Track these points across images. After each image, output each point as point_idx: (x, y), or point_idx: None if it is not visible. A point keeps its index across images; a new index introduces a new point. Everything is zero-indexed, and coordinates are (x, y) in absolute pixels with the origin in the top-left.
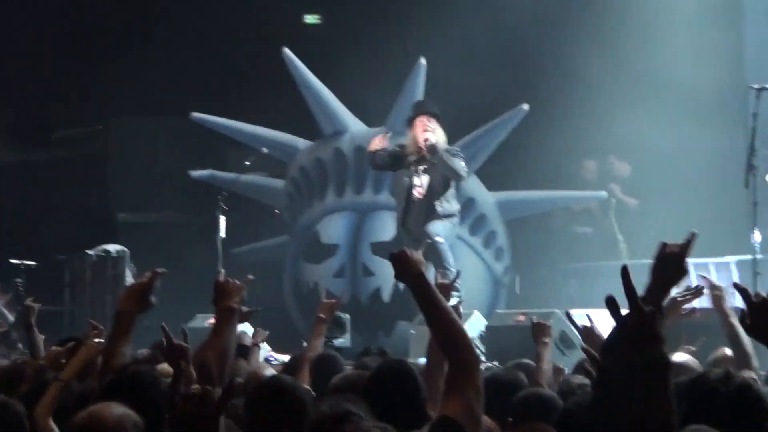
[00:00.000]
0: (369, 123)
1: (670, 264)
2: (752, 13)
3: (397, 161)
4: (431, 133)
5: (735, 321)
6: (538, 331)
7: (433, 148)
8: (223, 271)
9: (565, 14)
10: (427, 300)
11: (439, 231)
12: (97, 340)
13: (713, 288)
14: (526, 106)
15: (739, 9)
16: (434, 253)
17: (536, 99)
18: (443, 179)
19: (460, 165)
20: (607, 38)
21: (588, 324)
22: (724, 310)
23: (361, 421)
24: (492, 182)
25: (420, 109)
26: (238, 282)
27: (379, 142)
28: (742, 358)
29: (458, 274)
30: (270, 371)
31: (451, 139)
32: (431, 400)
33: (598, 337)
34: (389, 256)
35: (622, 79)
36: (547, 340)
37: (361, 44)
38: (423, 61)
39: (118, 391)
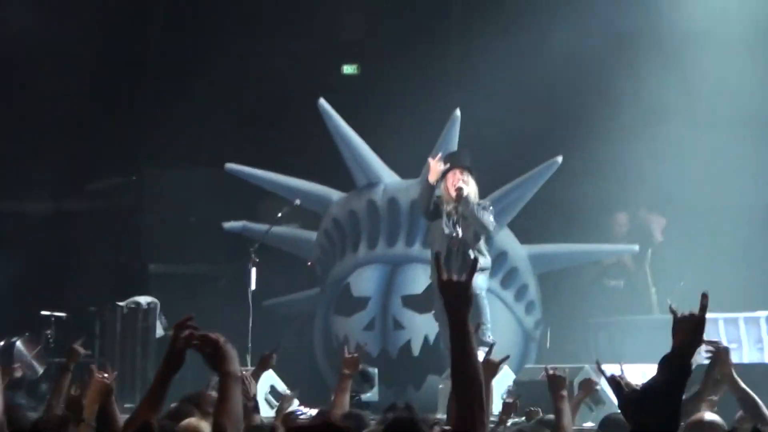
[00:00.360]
0: (404, 175)
1: (688, 329)
2: None
3: (437, 210)
4: (464, 184)
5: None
6: (554, 384)
7: (460, 194)
8: (220, 335)
9: (598, 62)
10: (461, 338)
11: (481, 284)
12: (104, 375)
13: (720, 350)
14: (559, 159)
15: None
16: (474, 307)
17: (570, 149)
18: (474, 232)
19: (489, 219)
20: (644, 86)
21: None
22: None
23: None
24: (524, 235)
25: (454, 162)
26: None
27: (435, 166)
28: (755, 412)
29: (492, 344)
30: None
31: (485, 192)
32: None
33: (628, 388)
34: (438, 283)
35: (658, 129)
36: (564, 393)
37: (398, 96)
38: (458, 112)
39: None
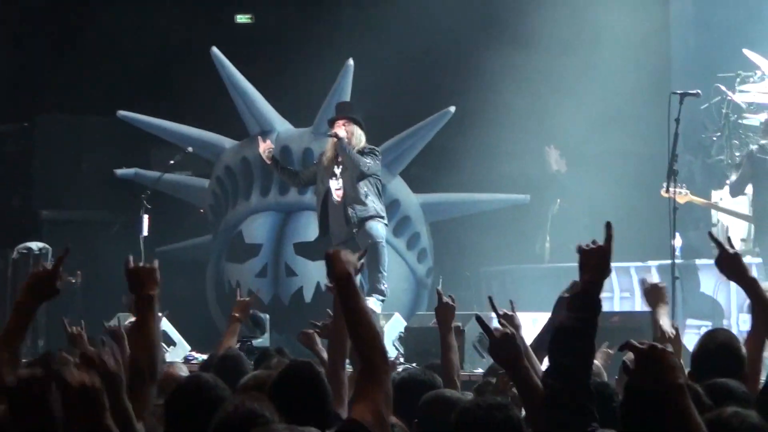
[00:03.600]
0: (297, 124)
1: (594, 260)
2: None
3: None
4: (339, 128)
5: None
6: (444, 314)
7: (336, 136)
8: (131, 257)
9: (493, 17)
10: (350, 301)
11: (380, 232)
12: None
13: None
14: (452, 109)
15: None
16: (372, 254)
17: (465, 97)
18: (352, 181)
19: (364, 160)
20: (535, 41)
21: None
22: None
23: (268, 422)
24: (417, 184)
25: (340, 112)
26: (149, 265)
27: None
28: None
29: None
30: (184, 370)
31: (379, 141)
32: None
33: (516, 326)
34: (324, 254)
35: (551, 81)
36: (452, 326)
37: (291, 45)
38: (351, 62)
39: None
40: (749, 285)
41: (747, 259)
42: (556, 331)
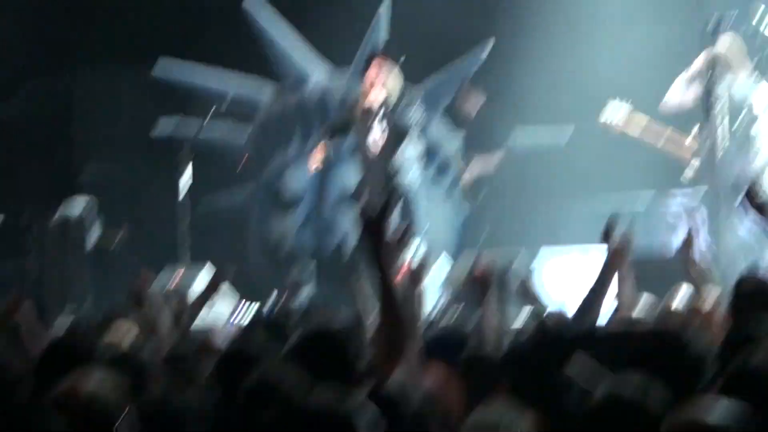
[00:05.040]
0: (338, 63)
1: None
2: None
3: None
4: (379, 80)
5: None
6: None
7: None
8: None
9: None
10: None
11: (411, 182)
12: None
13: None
14: (491, 42)
15: None
16: (405, 205)
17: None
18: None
19: (403, 113)
20: None
21: None
22: None
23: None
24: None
25: (372, 56)
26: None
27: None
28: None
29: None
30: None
31: (420, 77)
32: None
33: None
34: (362, 218)
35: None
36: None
37: None
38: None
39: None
40: None
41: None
42: None
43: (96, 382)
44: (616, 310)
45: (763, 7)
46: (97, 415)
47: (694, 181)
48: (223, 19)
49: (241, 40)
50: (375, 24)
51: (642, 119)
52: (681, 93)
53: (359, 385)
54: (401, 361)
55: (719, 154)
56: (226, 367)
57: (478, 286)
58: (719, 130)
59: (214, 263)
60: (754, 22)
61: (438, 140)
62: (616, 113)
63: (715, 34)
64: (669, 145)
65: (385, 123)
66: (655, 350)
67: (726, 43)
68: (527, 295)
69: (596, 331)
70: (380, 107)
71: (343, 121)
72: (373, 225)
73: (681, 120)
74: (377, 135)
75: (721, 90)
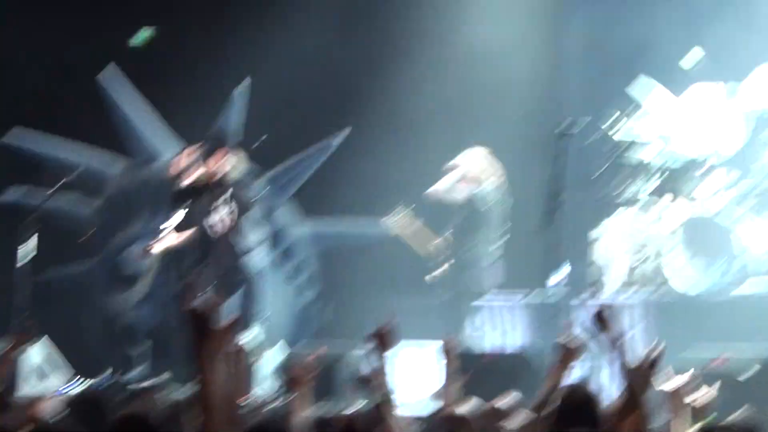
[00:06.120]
0: (191, 141)
1: None
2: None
3: (194, 194)
4: (222, 165)
5: None
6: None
7: (219, 181)
8: None
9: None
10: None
11: (257, 262)
12: None
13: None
14: (345, 131)
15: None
16: (248, 288)
17: (359, 122)
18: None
19: (240, 193)
20: (423, 66)
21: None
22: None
23: None
24: (306, 210)
25: (218, 141)
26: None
27: (186, 159)
28: None
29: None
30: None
31: (273, 163)
32: None
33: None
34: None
35: (438, 105)
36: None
37: (189, 64)
38: (246, 82)
39: None
40: None
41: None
42: None
43: None
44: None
45: (618, 113)
46: None
47: (440, 283)
48: (79, 92)
49: (95, 113)
50: (229, 106)
51: (414, 224)
52: (445, 188)
53: None
54: None
55: (466, 260)
56: None
57: (292, 383)
58: (465, 238)
59: (51, 335)
60: (605, 126)
61: (284, 225)
62: (395, 217)
63: (562, 137)
64: (426, 248)
65: (229, 205)
66: None
67: (473, 157)
68: (368, 385)
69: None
70: (224, 189)
71: (189, 200)
72: (198, 316)
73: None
74: (221, 216)
75: (471, 199)
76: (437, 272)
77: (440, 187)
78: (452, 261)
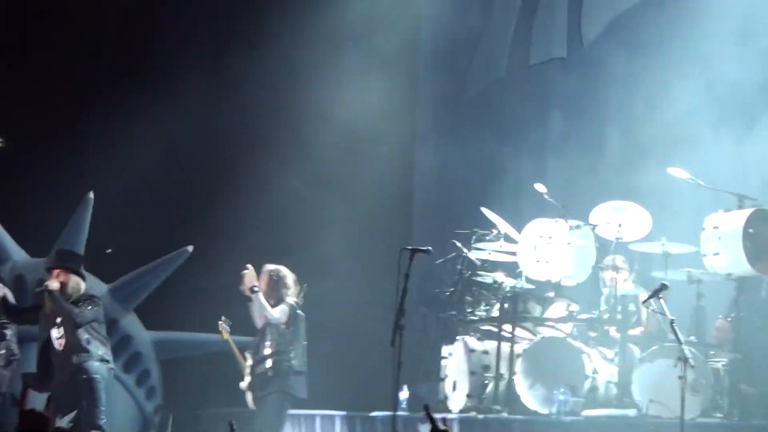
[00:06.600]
0: (34, 253)
1: None
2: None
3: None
4: (55, 280)
5: None
6: None
7: (46, 289)
8: None
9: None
10: None
11: (98, 369)
12: None
13: None
14: (189, 248)
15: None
16: (89, 390)
17: (208, 236)
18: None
19: (75, 311)
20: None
21: None
22: None
23: None
24: (150, 321)
25: (58, 261)
26: None
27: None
28: None
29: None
30: None
31: (117, 275)
32: None
33: None
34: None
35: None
36: None
37: (33, 173)
38: (91, 195)
39: None
40: None
41: None
42: None
43: None
44: None
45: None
46: None
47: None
48: None
49: None
50: (76, 219)
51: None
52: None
53: None
54: None
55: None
56: None
57: None
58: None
59: None
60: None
61: (131, 333)
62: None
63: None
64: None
65: (64, 324)
66: None
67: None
68: None
69: None
70: (60, 304)
71: (35, 314)
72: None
73: None
74: (60, 332)
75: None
76: (245, 382)
77: (255, 306)
78: (269, 368)
